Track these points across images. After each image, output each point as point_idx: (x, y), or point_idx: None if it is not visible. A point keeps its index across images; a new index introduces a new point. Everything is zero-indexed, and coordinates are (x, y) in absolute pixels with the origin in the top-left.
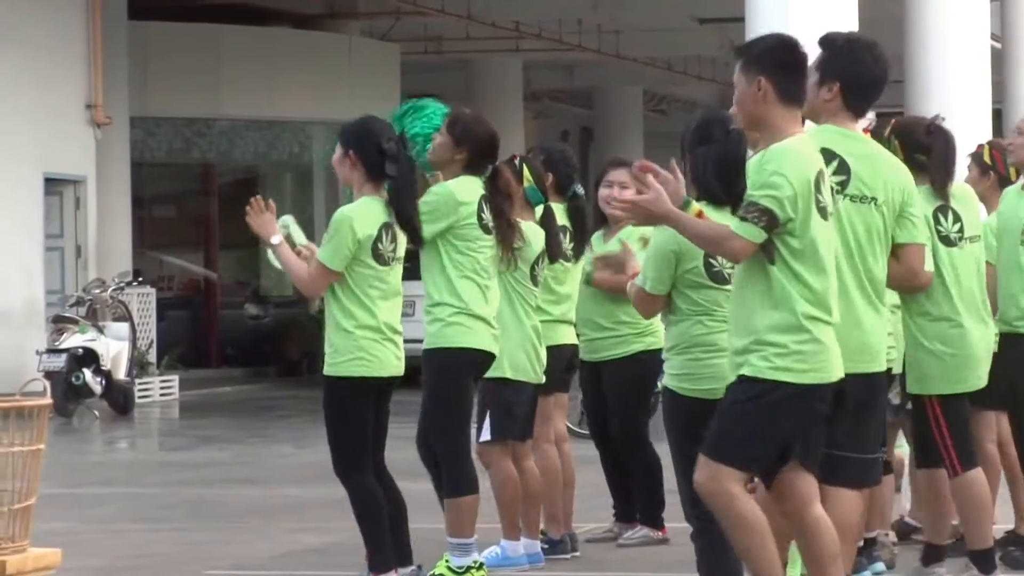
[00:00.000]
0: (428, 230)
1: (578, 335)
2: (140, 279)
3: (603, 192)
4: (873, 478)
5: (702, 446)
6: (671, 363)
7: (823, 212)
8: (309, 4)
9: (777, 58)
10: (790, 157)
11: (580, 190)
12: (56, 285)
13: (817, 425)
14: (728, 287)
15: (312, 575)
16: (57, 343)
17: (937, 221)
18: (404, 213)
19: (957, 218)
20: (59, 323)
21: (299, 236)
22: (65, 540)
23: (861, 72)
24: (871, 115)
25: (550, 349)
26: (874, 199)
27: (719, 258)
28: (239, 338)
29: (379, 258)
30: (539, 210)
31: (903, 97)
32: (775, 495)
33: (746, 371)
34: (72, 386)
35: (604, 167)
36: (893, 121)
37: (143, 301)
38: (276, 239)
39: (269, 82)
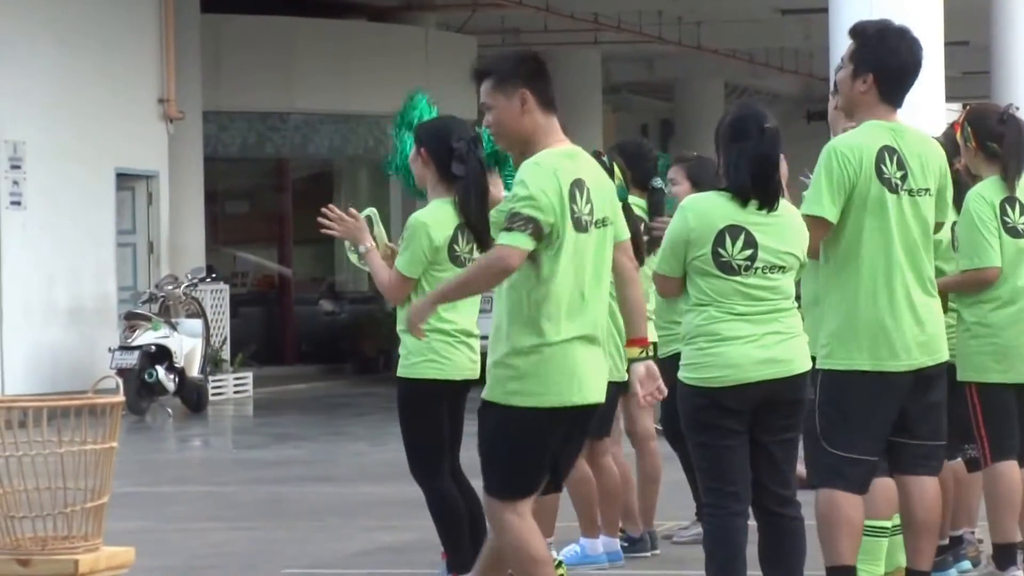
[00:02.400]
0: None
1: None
2: (213, 275)
3: None
4: (935, 464)
5: (483, 482)
6: (683, 354)
7: (579, 224)
8: None
9: (532, 68)
10: (542, 171)
11: (659, 183)
12: (128, 281)
13: (570, 443)
14: (737, 278)
15: (388, 573)
16: (130, 340)
17: (1004, 211)
18: (469, 215)
19: None
20: (132, 320)
21: (381, 231)
22: (139, 539)
23: (894, 61)
24: (959, 107)
25: None
26: (927, 190)
27: (727, 247)
28: (314, 335)
29: (455, 260)
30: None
31: (989, 87)
32: None
33: (485, 394)
34: (145, 383)
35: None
36: (967, 109)
37: (216, 297)
38: (364, 247)
39: (344, 76)
